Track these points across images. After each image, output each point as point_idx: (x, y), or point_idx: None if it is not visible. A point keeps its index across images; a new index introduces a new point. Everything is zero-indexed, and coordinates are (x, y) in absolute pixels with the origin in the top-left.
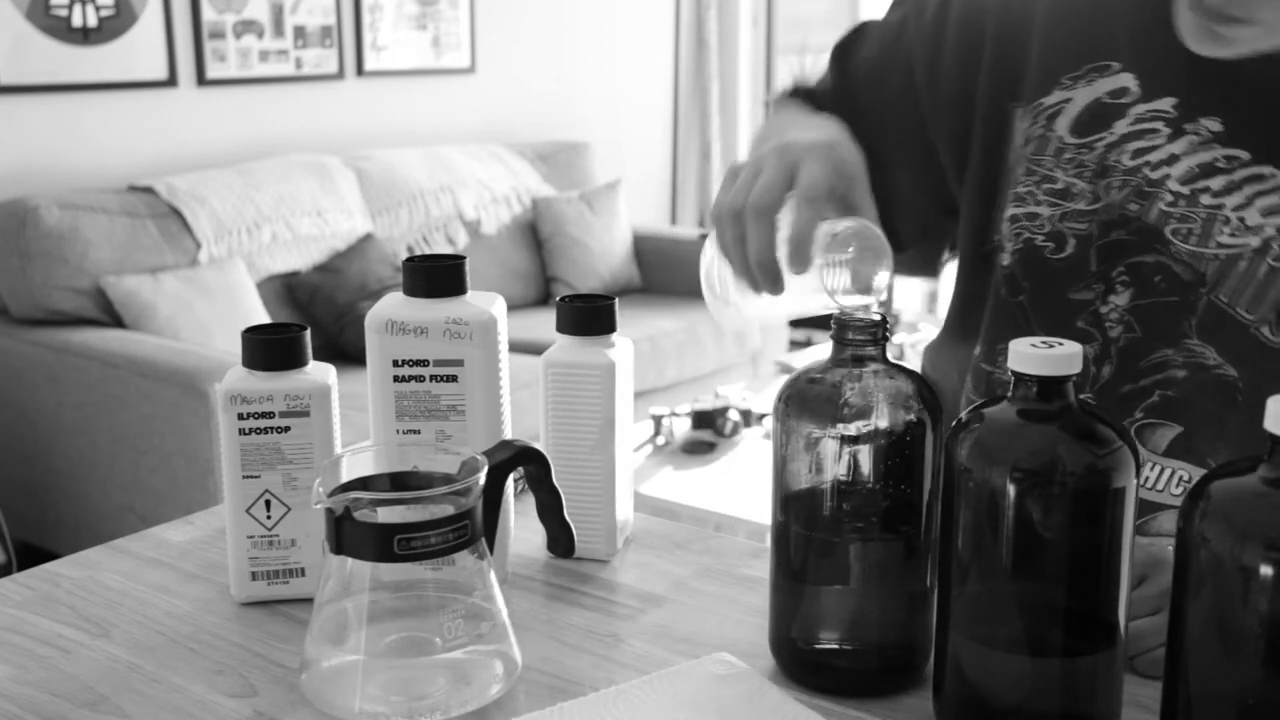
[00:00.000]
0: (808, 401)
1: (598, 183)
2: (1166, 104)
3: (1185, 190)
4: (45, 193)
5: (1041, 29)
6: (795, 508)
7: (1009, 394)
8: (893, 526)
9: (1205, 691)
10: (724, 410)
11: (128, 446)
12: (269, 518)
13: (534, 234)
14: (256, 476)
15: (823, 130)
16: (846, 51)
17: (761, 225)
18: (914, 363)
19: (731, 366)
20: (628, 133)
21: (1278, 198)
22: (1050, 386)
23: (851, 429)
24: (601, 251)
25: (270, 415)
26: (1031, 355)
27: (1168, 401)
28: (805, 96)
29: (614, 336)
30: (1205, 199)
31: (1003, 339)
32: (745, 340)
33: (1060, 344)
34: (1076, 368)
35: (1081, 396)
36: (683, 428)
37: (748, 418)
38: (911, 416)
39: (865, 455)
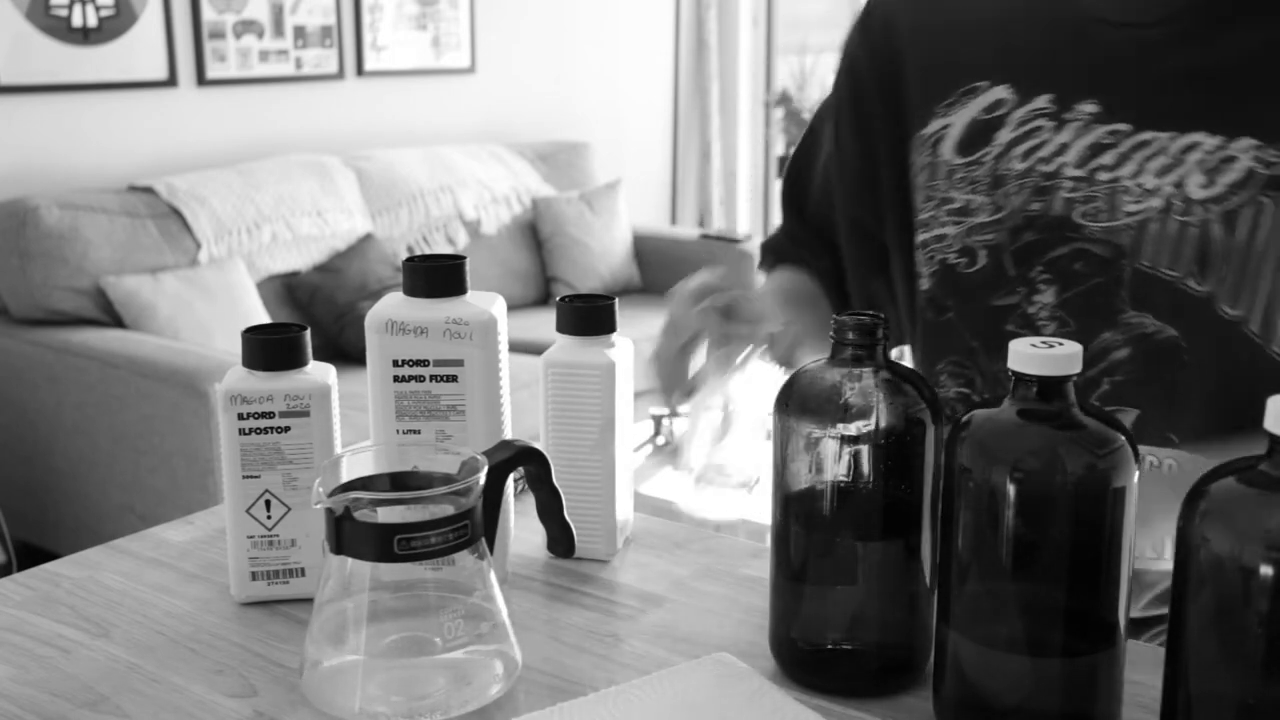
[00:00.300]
0: (808, 401)
1: (598, 183)
2: (1044, 100)
3: (1082, 173)
4: (45, 193)
5: (912, 67)
6: (795, 508)
7: (1009, 394)
8: (893, 526)
9: (1205, 692)
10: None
11: (128, 446)
12: (269, 518)
13: (534, 234)
14: (256, 476)
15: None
16: (794, 189)
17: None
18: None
19: None
20: (628, 133)
21: (1166, 158)
22: (1050, 386)
23: (851, 429)
24: (601, 251)
25: (270, 415)
26: (1031, 355)
27: (1117, 387)
28: (774, 252)
29: (614, 336)
30: (1102, 175)
31: (940, 357)
32: None
33: (1060, 344)
34: (1077, 368)
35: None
36: (683, 428)
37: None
38: (911, 416)
39: (865, 455)
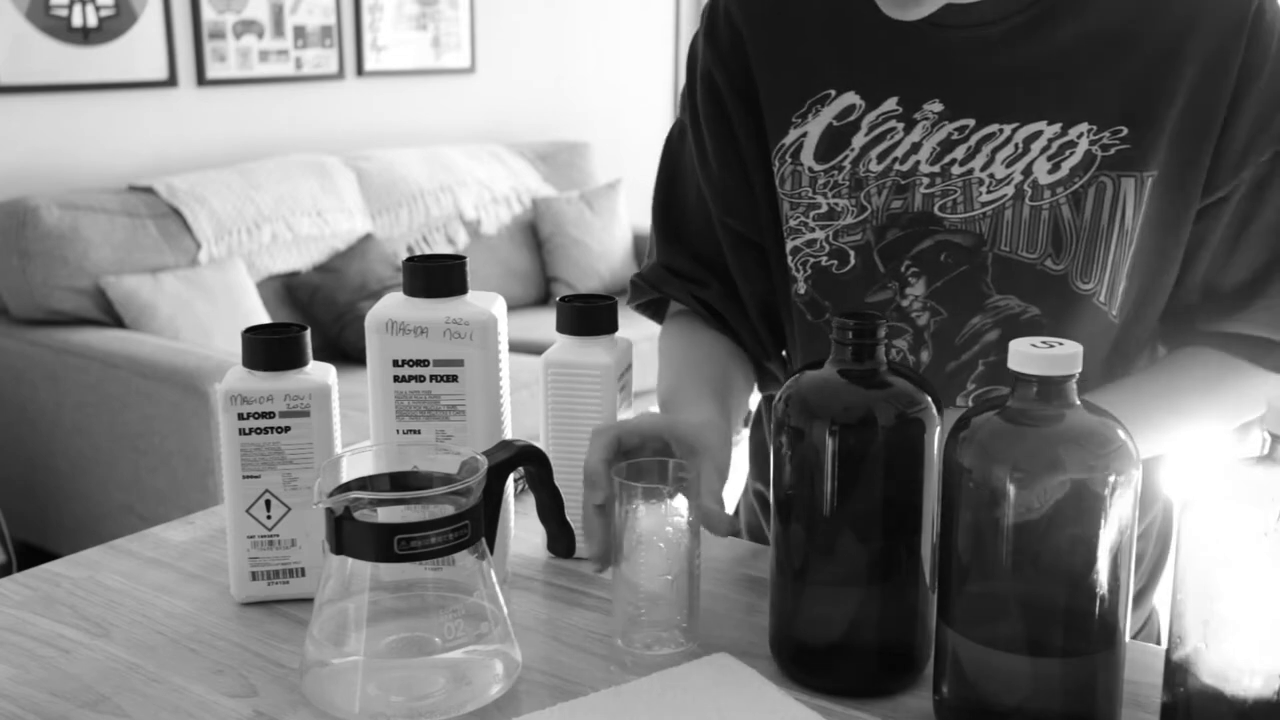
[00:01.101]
0: (808, 401)
1: (598, 183)
2: (891, 103)
3: (936, 169)
4: (45, 193)
5: (759, 84)
6: (795, 508)
7: (1009, 394)
8: (892, 526)
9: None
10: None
11: (128, 446)
12: (269, 518)
13: (534, 234)
14: (256, 476)
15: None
16: (666, 218)
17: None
18: None
19: None
20: (628, 133)
21: (1011, 148)
22: (1050, 386)
23: (851, 429)
24: (601, 251)
25: (270, 415)
26: (1031, 355)
27: (991, 367)
28: (652, 285)
29: (614, 336)
30: (955, 170)
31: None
32: None
33: (1060, 344)
34: (1077, 368)
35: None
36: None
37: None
38: (911, 416)
39: (865, 455)
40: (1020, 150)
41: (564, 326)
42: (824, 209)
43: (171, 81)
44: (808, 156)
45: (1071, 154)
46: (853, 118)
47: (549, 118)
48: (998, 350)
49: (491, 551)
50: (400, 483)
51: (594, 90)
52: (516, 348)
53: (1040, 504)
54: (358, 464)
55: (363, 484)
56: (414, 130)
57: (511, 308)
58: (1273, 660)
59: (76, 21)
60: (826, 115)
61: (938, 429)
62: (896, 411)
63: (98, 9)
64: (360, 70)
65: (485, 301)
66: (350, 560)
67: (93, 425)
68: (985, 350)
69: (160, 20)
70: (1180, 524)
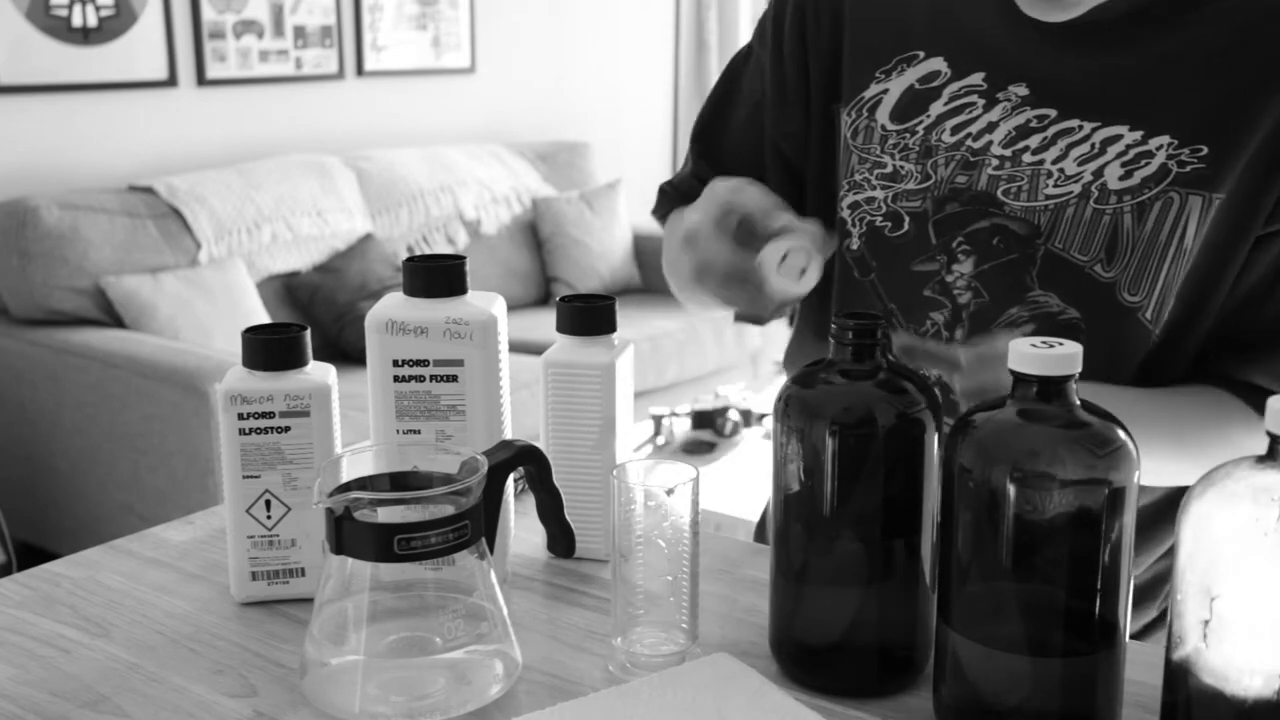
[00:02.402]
0: (808, 401)
1: (598, 183)
2: (977, 78)
3: (1007, 153)
4: (45, 193)
5: (850, 31)
6: (795, 508)
7: (1009, 394)
8: (892, 526)
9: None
10: (724, 410)
11: (128, 446)
12: (269, 518)
13: (534, 234)
14: (256, 476)
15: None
16: (707, 136)
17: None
18: None
19: (731, 366)
20: (628, 133)
21: (1088, 146)
22: (1050, 386)
23: (851, 429)
24: (601, 251)
25: (270, 415)
26: (1031, 355)
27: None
28: (681, 195)
29: (614, 336)
30: (1026, 157)
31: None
32: (745, 340)
33: (1060, 344)
34: (1077, 368)
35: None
36: (683, 428)
37: (748, 418)
38: (911, 415)
39: (865, 455)
40: (1096, 150)
41: (564, 326)
42: (889, 169)
43: (171, 81)
44: (883, 114)
45: (1147, 164)
46: (935, 84)
47: (549, 118)
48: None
49: (491, 551)
50: (400, 483)
51: (594, 90)
52: (516, 348)
53: (1040, 504)
54: (358, 464)
55: (363, 484)
56: (414, 130)
57: (511, 308)
58: (1273, 660)
59: (76, 21)
60: (910, 76)
61: (936, 432)
62: (896, 411)
63: (98, 9)
64: (360, 70)
65: (485, 301)
66: (350, 560)
67: (93, 425)
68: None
69: (160, 20)
70: (1181, 524)
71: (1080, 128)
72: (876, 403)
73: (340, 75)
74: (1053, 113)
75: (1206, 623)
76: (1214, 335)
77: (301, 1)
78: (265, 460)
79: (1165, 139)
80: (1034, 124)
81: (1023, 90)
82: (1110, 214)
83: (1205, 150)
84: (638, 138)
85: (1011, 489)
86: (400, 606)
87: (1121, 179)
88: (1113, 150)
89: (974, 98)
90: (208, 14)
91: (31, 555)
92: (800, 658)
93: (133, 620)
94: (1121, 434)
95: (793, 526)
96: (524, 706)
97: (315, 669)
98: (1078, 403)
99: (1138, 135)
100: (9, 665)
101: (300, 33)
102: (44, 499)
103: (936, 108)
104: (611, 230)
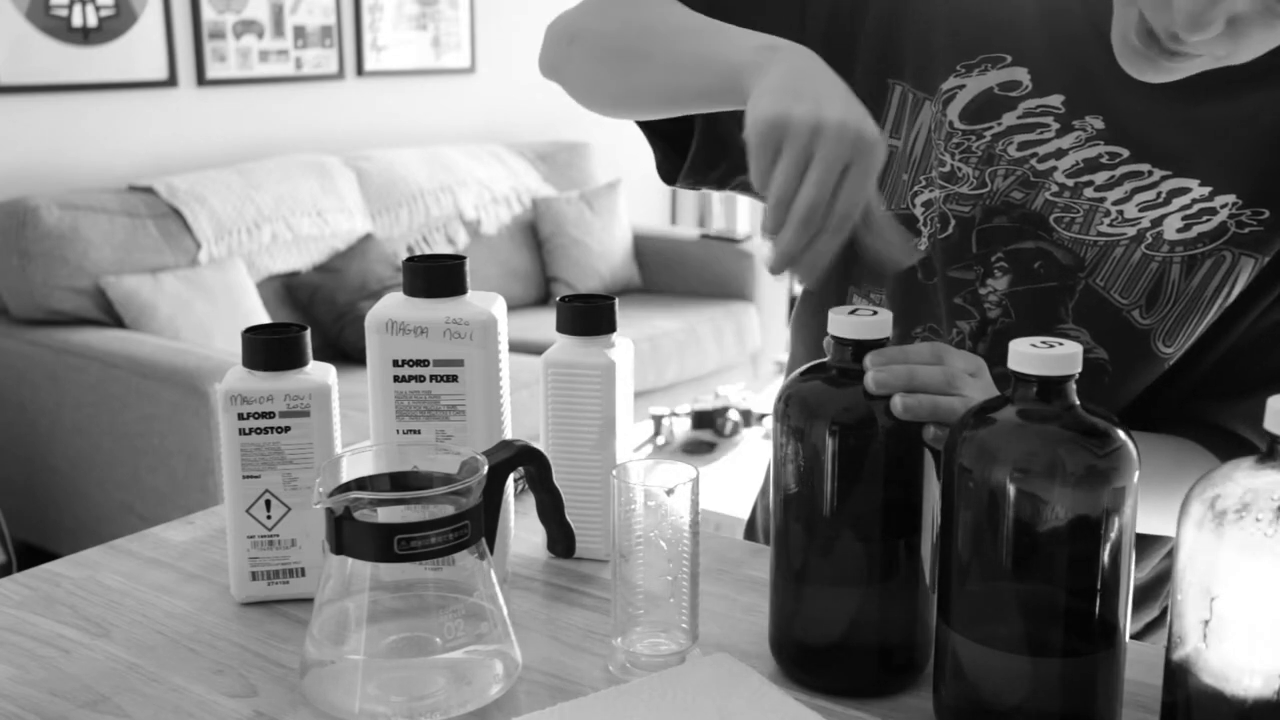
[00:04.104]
0: (807, 401)
1: (598, 183)
2: (1055, 100)
3: (1070, 183)
4: (45, 193)
5: (945, 15)
6: (795, 508)
7: (1009, 394)
8: (892, 526)
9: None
10: (724, 410)
11: (128, 446)
12: (269, 518)
13: (534, 234)
14: (256, 476)
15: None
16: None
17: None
18: None
19: (731, 366)
20: (628, 133)
21: (1154, 194)
22: (1050, 386)
23: (851, 429)
24: (601, 251)
25: (270, 415)
26: (1031, 355)
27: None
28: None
29: (614, 336)
30: (1089, 192)
31: (917, 322)
32: (745, 340)
33: (1060, 344)
34: (1077, 368)
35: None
36: (683, 428)
37: (748, 418)
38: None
39: (865, 455)
40: (1160, 200)
41: (564, 326)
42: (946, 168)
43: (171, 81)
44: (954, 111)
45: (1208, 220)
46: (1014, 94)
47: (549, 118)
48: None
49: (491, 551)
50: (400, 483)
51: None
52: (516, 348)
53: (1040, 504)
54: (358, 464)
55: (363, 484)
56: (414, 130)
57: (511, 308)
58: (1273, 660)
59: (76, 21)
60: (991, 79)
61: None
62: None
63: (98, 9)
64: (360, 70)
65: (485, 301)
66: (350, 560)
67: (93, 425)
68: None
69: (160, 20)
70: (1181, 524)
71: (1150, 174)
72: (876, 402)
73: (340, 75)
74: (1125, 153)
75: (1206, 623)
76: (1205, 381)
77: (301, 1)
78: (265, 460)
79: (1231, 198)
80: (1104, 160)
81: (1099, 124)
82: (1159, 262)
83: (1267, 214)
84: (638, 138)
85: (1011, 489)
86: (400, 606)
87: (1179, 231)
88: (1177, 203)
89: (1049, 119)
90: (208, 14)
91: (31, 555)
92: (800, 658)
93: (133, 620)
94: (1121, 434)
95: (792, 526)
96: (524, 706)
97: (315, 669)
98: (1078, 403)
99: (1205, 191)
100: (9, 665)
101: (300, 33)
102: (44, 499)
103: (1009, 118)
104: (611, 230)
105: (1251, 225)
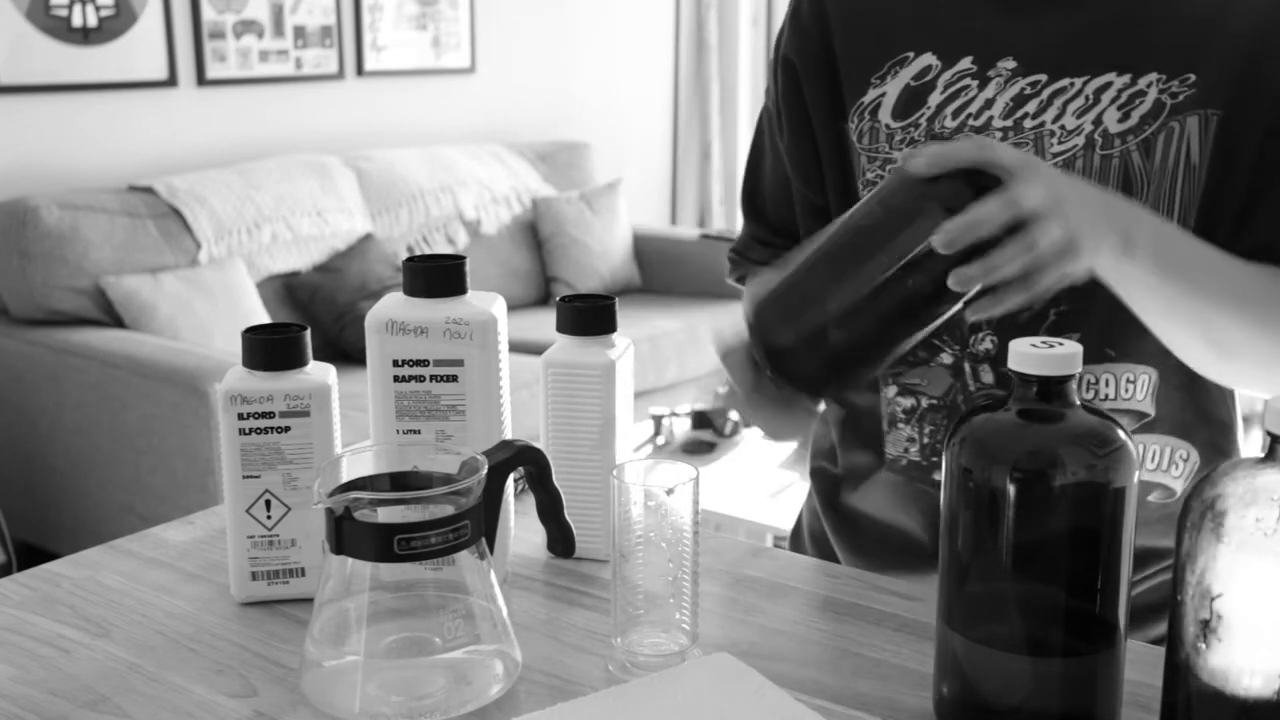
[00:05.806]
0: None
1: (598, 183)
2: (966, 62)
3: (1009, 122)
4: (45, 193)
5: (840, 53)
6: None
7: (1010, 394)
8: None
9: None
10: (724, 410)
11: (128, 446)
12: (269, 518)
13: (534, 234)
14: (256, 476)
15: None
16: (752, 193)
17: None
18: None
19: None
20: (628, 133)
21: (1082, 99)
22: (1050, 386)
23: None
24: (601, 251)
25: (270, 415)
26: (1031, 355)
27: (1062, 317)
28: (743, 256)
29: (614, 336)
30: (1027, 122)
31: None
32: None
33: (1060, 344)
34: (1077, 367)
35: (983, 333)
36: (683, 428)
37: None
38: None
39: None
40: (1091, 101)
41: (564, 326)
42: (898, 162)
43: (171, 81)
44: (885, 114)
45: (1141, 103)
46: (929, 78)
47: (549, 118)
48: (1069, 300)
49: (491, 551)
50: (400, 483)
51: (594, 90)
52: (516, 348)
53: (1040, 504)
54: (358, 464)
55: (363, 484)
56: (414, 130)
57: (511, 308)
58: (1273, 660)
59: (76, 21)
60: (905, 76)
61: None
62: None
63: (98, 9)
64: (360, 70)
65: (485, 301)
66: (350, 560)
67: (93, 425)
68: (1057, 299)
69: (160, 20)
70: (1181, 524)
71: (1072, 84)
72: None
73: (340, 75)
74: (1043, 77)
75: (1206, 623)
76: (1258, 245)
77: (301, 1)
78: (265, 460)
79: (1154, 75)
80: (1028, 91)
81: (1010, 64)
82: (1118, 156)
83: (1193, 77)
84: (638, 138)
85: (1011, 489)
86: (400, 606)
87: (1120, 121)
88: (1106, 97)
89: (967, 80)
90: (208, 14)
91: (31, 555)
92: None
93: (133, 620)
94: (1121, 434)
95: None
96: (524, 706)
97: (315, 669)
98: (1078, 403)
99: (1127, 78)
100: (9, 665)
101: (300, 33)
102: (44, 499)
103: (934, 98)
104: (611, 230)
105: (1184, 91)
